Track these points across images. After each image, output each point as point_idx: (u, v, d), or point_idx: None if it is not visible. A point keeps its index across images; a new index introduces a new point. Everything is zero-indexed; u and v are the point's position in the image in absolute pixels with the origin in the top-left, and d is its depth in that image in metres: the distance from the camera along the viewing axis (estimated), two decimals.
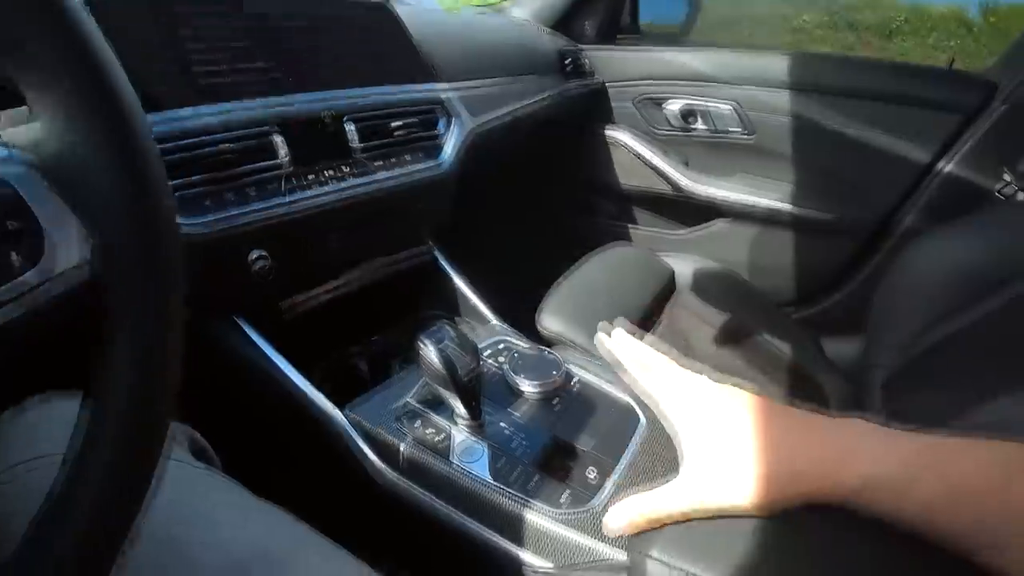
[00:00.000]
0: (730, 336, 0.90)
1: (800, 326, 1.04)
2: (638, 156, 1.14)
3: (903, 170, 0.96)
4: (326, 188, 0.62)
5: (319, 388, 0.59)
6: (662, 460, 0.51)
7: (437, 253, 0.77)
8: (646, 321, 0.85)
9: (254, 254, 0.59)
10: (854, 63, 1.09)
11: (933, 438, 0.32)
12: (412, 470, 0.52)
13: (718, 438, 0.37)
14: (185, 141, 0.52)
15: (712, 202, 1.09)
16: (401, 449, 0.52)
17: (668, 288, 0.94)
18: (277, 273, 0.60)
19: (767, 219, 1.07)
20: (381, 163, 0.68)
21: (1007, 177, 0.90)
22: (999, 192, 0.90)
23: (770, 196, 1.05)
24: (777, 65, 1.01)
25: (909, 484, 0.31)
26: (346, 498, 0.60)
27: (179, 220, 0.25)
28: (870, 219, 1.00)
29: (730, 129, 1.06)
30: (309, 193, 0.61)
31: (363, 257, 0.71)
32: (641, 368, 0.43)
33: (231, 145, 0.55)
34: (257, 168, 0.58)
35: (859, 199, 1.01)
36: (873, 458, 0.32)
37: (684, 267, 0.99)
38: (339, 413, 0.57)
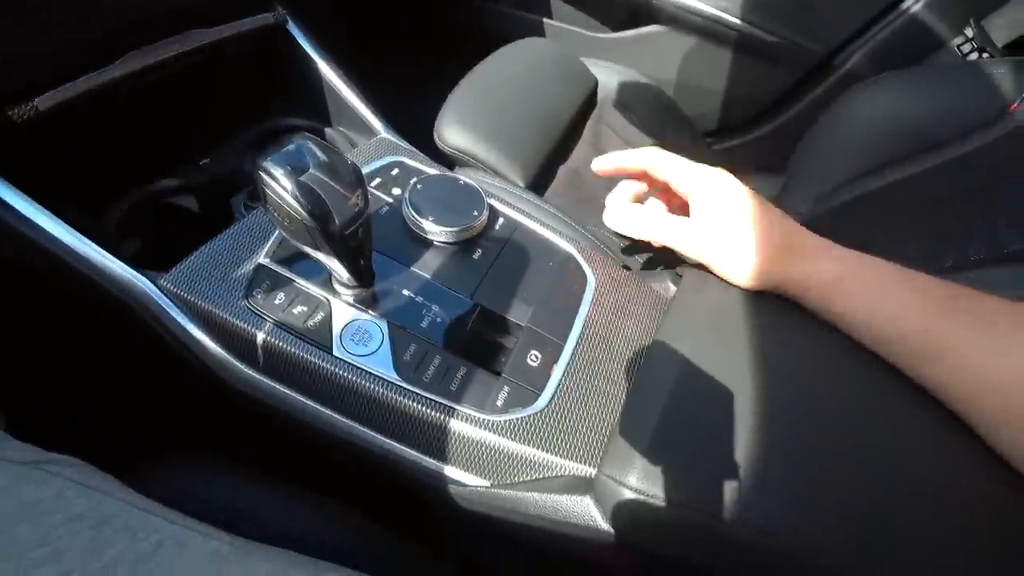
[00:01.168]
0: None
1: (722, 161, 0.95)
2: None
3: (866, 2, 0.84)
4: None
5: (111, 250, 0.37)
6: (617, 336, 0.39)
7: (293, 24, 0.50)
8: (567, 137, 0.70)
9: None
10: None
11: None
12: (277, 368, 0.35)
13: (727, 206, 0.38)
14: None
15: (651, 1, 0.88)
16: (259, 339, 0.35)
17: (591, 100, 0.78)
18: None
19: (706, 31, 0.91)
20: None
21: (968, 32, 0.81)
22: (957, 47, 0.81)
23: (716, 2, 0.87)
24: None
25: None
26: (194, 400, 0.43)
27: None
28: (816, 51, 0.89)
29: None
30: None
31: (163, 18, 0.42)
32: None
33: None
34: None
35: (810, 25, 0.88)
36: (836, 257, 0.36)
37: (608, 77, 0.82)
38: (150, 285, 0.37)
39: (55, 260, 0.37)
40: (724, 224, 0.38)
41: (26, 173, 0.37)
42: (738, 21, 0.88)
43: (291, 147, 0.31)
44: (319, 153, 0.31)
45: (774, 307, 0.37)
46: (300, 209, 0.30)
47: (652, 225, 0.41)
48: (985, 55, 0.82)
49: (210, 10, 0.44)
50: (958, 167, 0.64)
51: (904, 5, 0.84)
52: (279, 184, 0.29)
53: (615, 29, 0.97)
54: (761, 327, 0.35)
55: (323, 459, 0.41)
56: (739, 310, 0.36)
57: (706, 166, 0.41)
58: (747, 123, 0.98)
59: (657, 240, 0.41)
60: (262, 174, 0.30)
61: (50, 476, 0.23)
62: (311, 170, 0.30)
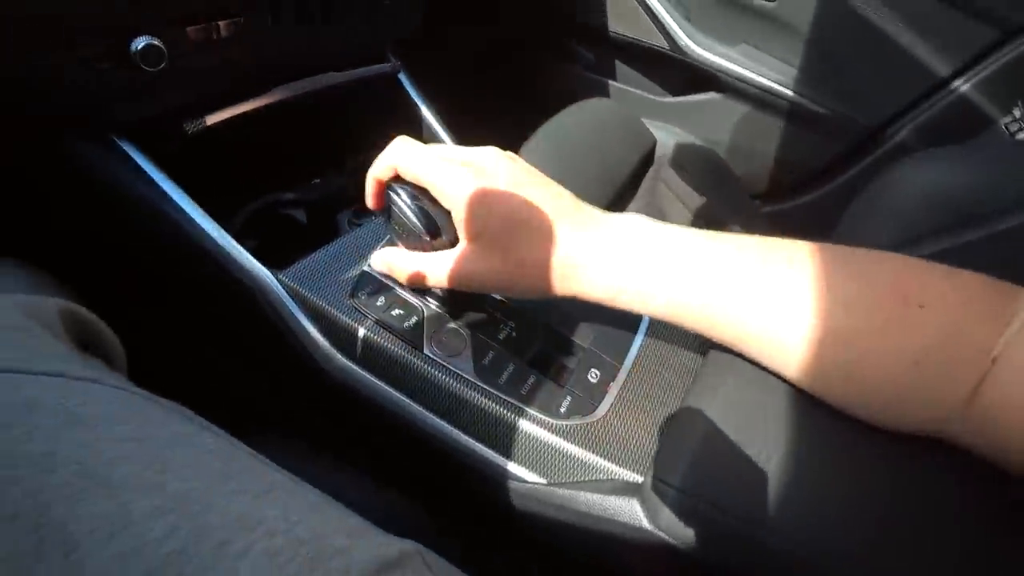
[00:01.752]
0: (704, 223, 0.84)
1: (769, 223, 1.00)
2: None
3: (917, 78, 0.88)
4: None
5: (240, 242, 0.45)
6: (669, 364, 0.44)
7: (404, 74, 0.59)
8: (625, 191, 0.76)
9: (140, 40, 0.39)
10: None
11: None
12: (373, 361, 0.41)
13: (498, 218, 0.33)
14: None
15: (709, 69, 0.95)
16: (360, 334, 0.41)
17: (648, 157, 0.84)
18: (174, 74, 0.41)
19: (760, 100, 0.97)
20: None
21: (1017, 112, 0.84)
22: (1005, 126, 0.85)
23: (771, 75, 0.94)
24: None
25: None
26: (293, 383, 0.49)
27: None
28: (864, 124, 0.93)
29: None
30: None
31: (304, 64, 0.51)
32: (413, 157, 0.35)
33: None
34: None
35: (861, 99, 0.93)
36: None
37: (666, 138, 0.89)
38: (272, 278, 0.44)
39: (198, 248, 0.44)
40: (489, 246, 0.33)
41: (184, 175, 0.45)
42: (791, 93, 0.94)
43: None
44: None
45: None
46: (418, 224, 0.36)
47: (394, 261, 0.38)
48: None
49: (341, 59, 0.52)
50: (997, 242, 0.67)
51: (954, 84, 0.87)
52: (403, 203, 0.36)
53: (675, 94, 1.05)
54: None
55: (399, 448, 0.46)
56: None
57: (465, 155, 0.35)
58: (795, 188, 1.03)
59: (411, 280, 0.38)
60: (390, 193, 0.36)
61: (188, 419, 0.28)
62: (425, 198, 0.37)
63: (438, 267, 0.35)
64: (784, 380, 0.36)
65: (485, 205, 0.33)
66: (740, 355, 0.40)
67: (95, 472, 0.21)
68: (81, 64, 0.38)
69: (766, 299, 0.31)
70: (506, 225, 0.33)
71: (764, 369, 0.37)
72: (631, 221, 0.35)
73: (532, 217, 0.33)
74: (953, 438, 0.31)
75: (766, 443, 0.34)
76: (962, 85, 0.87)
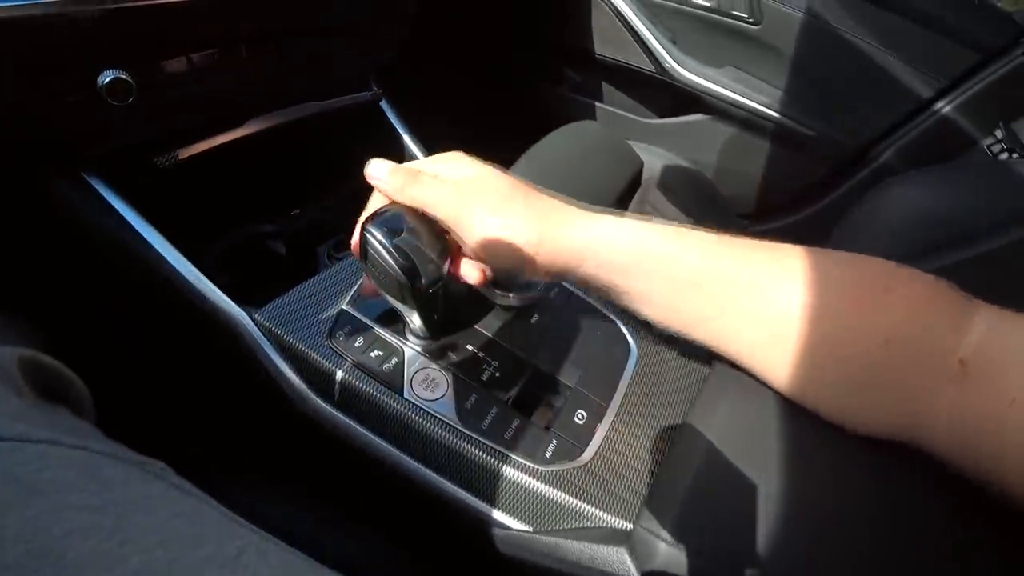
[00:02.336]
0: None
1: None
2: (622, 20, 0.96)
3: (901, 100, 0.89)
4: None
5: (213, 280, 0.43)
6: (657, 401, 0.43)
7: (385, 102, 0.58)
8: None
9: (107, 74, 0.38)
10: None
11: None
12: (352, 405, 0.40)
13: (484, 203, 0.35)
14: None
15: (695, 92, 0.96)
16: (337, 377, 0.39)
17: (636, 179, 0.84)
18: (143, 107, 0.40)
19: (746, 122, 0.97)
20: None
21: (998, 134, 0.85)
22: (988, 148, 0.86)
23: (757, 98, 0.94)
24: None
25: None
26: (268, 426, 0.47)
27: None
28: (850, 145, 0.94)
29: (735, 12, 0.90)
30: None
31: (282, 93, 0.50)
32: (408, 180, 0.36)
33: None
34: None
35: (845, 121, 0.94)
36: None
37: (653, 160, 0.89)
38: (246, 317, 0.42)
39: (170, 286, 0.42)
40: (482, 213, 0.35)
41: (157, 208, 0.43)
42: (776, 114, 0.95)
43: (389, 212, 0.36)
44: (411, 219, 0.36)
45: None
46: (394, 266, 0.35)
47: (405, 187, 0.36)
48: (1015, 155, 0.85)
49: (322, 87, 0.51)
50: (988, 261, 0.67)
51: (936, 106, 0.88)
52: (378, 242, 0.35)
53: (661, 116, 1.05)
54: (796, 414, 0.38)
55: (380, 494, 0.44)
56: (772, 398, 0.39)
57: (437, 166, 0.37)
58: (782, 208, 1.03)
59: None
60: (365, 233, 0.35)
61: (154, 477, 0.26)
62: (404, 234, 0.35)
63: (437, 198, 0.36)
64: (773, 409, 0.36)
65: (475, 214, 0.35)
66: (729, 391, 0.39)
67: (48, 550, 0.20)
68: (47, 97, 0.37)
69: (751, 283, 0.33)
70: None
71: (752, 400, 0.37)
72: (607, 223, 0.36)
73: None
74: (928, 444, 0.31)
75: (758, 487, 0.33)
76: (944, 107, 0.88)
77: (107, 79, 0.38)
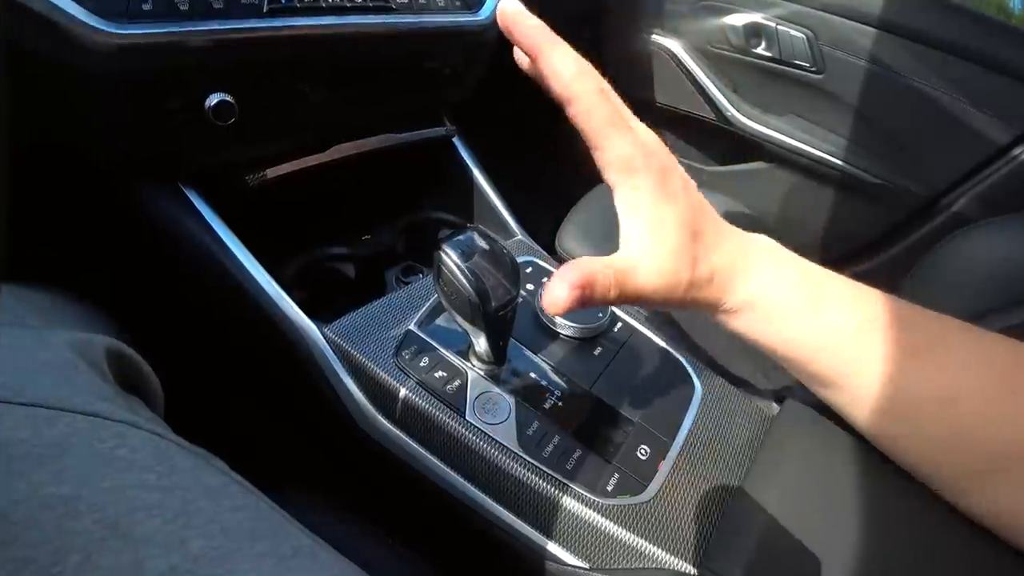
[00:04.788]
0: None
1: None
2: (685, 72, 0.97)
3: (974, 148, 0.86)
4: (326, 13, 0.44)
5: (288, 294, 0.45)
6: (722, 441, 0.41)
7: (457, 138, 0.60)
8: None
9: (213, 97, 0.41)
10: (959, 12, 0.91)
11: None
12: (412, 424, 0.40)
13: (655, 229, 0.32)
14: None
15: (756, 139, 0.96)
16: (400, 394, 0.39)
17: None
18: (243, 129, 0.43)
19: (809, 170, 0.95)
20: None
21: None
22: None
23: (821, 146, 0.93)
24: None
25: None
26: (327, 439, 0.48)
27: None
28: (920, 194, 0.91)
29: (797, 61, 0.90)
30: (302, 19, 0.42)
31: (361, 125, 0.53)
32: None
33: None
34: None
35: (914, 169, 0.91)
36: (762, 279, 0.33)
37: (715, 208, 0.88)
38: (316, 330, 0.43)
39: (248, 295, 0.44)
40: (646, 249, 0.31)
41: (241, 224, 0.46)
42: (840, 162, 0.93)
43: (463, 236, 0.37)
44: (483, 244, 0.37)
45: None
46: (468, 287, 0.35)
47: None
48: None
49: (399, 121, 0.54)
50: None
51: (1015, 151, 0.84)
52: (453, 264, 0.35)
53: (722, 163, 1.05)
54: (870, 460, 0.36)
55: (430, 515, 0.43)
56: (843, 441, 0.37)
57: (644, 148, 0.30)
58: (847, 259, 0.99)
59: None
60: (441, 254, 0.36)
61: (217, 471, 0.27)
62: (476, 256, 0.36)
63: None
64: (848, 462, 0.34)
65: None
66: (801, 432, 0.37)
67: (117, 522, 0.20)
68: (162, 116, 0.40)
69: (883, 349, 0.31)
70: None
71: (824, 444, 0.36)
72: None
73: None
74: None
75: (831, 537, 0.32)
76: (1022, 153, 0.84)
77: (214, 101, 0.41)
